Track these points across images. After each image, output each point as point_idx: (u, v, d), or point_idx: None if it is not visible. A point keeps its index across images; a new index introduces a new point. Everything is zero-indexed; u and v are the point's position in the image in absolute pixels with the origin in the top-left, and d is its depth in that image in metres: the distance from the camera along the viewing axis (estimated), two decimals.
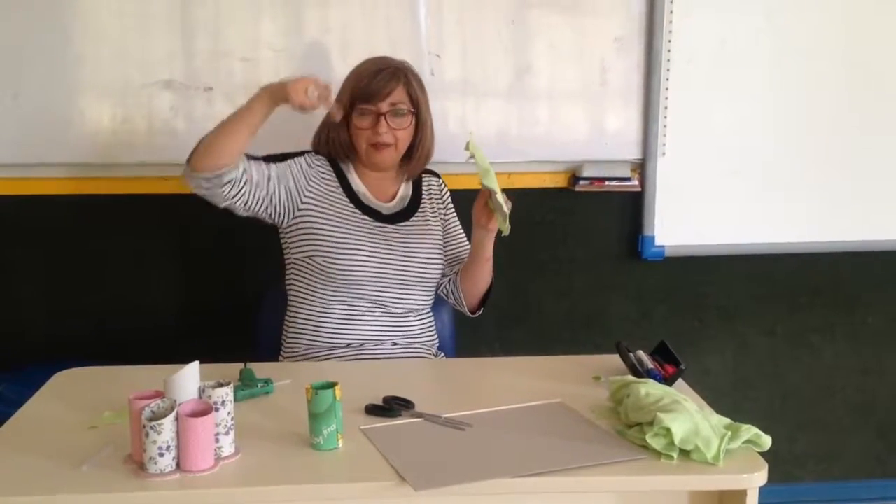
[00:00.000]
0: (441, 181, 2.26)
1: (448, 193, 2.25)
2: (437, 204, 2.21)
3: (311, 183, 2.07)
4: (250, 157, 1.99)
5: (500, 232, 1.98)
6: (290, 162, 2.07)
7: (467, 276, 2.13)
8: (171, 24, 2.45)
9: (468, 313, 2.19)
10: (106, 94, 2.47)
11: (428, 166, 2.24)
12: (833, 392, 2.89)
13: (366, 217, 2.08)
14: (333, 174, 2.11)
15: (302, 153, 2.11)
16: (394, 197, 2.16)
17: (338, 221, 2.05)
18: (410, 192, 2.19)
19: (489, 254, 2.07)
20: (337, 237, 2.04)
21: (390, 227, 2.09)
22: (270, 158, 2.05)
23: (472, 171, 2.12)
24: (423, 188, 2.21)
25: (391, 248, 2.07)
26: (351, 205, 2.08)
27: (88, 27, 2.44)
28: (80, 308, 2.62)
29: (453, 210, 2.24)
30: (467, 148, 1.88)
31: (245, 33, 2.46)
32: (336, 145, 2.11)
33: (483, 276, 2.11)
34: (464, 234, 2.22)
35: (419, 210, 2.16)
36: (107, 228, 2.59)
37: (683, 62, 2.59)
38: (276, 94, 1.89)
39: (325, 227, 2.05)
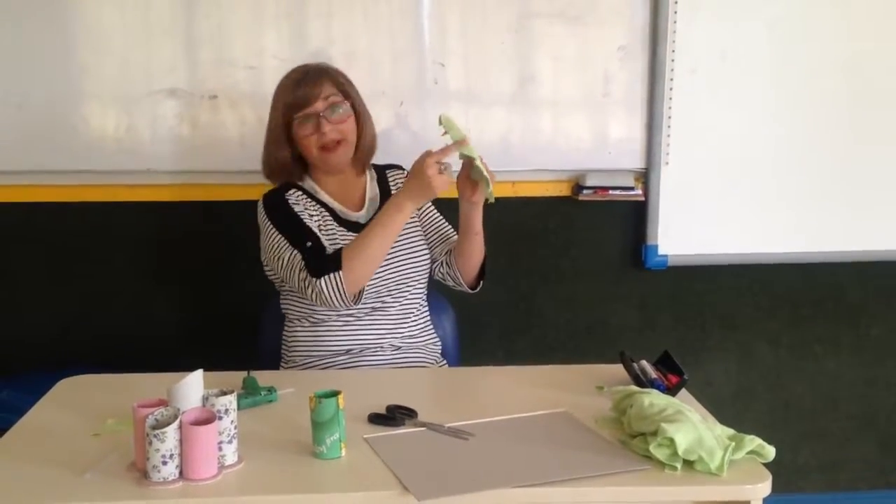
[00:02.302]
0: (405, 172, 2.22)
1: None
2: None
3: (312, 216, 2.04)
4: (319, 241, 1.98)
5: (486, 202, 1.97)
6: (296, 209, 2.02)
7: (461, 253, 2.12)
8: (176, 34, 2.46)
9: (468, 290, 2.17)
10: (110, 102, 2.48)
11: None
12: (836, 402, 2.89)
13: (350, 233, 2.06)
14: (311, 200, 2.07)
15: (283, 196, 2.04)
16: (361, 200, 2.14)
17: (334, 244, 2.01)
18: (378, 191, 2.17)
19: (479, 227, 2.05)
20: None
21: None
22: (290, 221, 2.00)
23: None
24: (391, 184, 2.19)
25: None
26: (335, 223, 2.06)
27: (93, 37, 2.45)
28: (82, 315, 2.62)
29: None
30: (440, 123, 1.87)
31: (249, 42, 2.47)
32: (286, 169, 2.07)
33: (476, 250, 2.10)
34: (441, 216, 2.21)
35: None
36: (111, 236, 2.60)
37: (687, 72, 2.60)
38: (419, 197, 1.91)
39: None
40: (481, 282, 2.18)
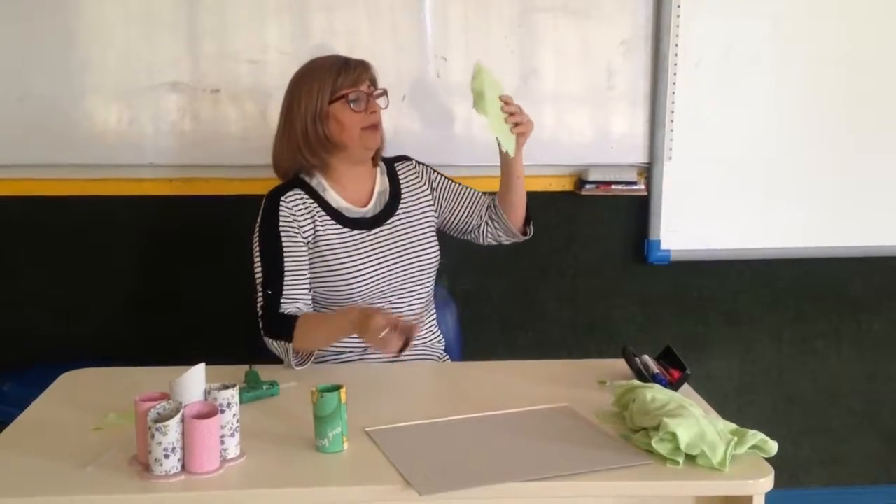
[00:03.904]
0: (413, 162, 2.22)
1: (425, 168, 2.22)
2: (418, 185, 2.17)
3: (302, 226, 2.01)
4: (295, 274, 1.99)
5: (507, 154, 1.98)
6: (282, 230, 2.00)
7: (507, 203, 2.13)
8: (177, 28, 2.45)
9: (521, 238, 2.18)
10: (112, 95, 2.47)
11: (437, 166, 2.24)
12: (838, 397, 2.89)
13: (356, 232, 2.04)
14: (313, 201, 2.04)
15: (276, 203, 2.01)
16: (370, 193, 2.12)
17: (333, 248, 2.01)
18: (388, 184, 2.15)
19: (520, 171, 2.06)
20: (337, 264, 2.01)
21: (385, 231, 2.07)
22: (269, 250, 2.00)
23: (479, 174, 2.13)
24: (400, 176, 2.17)
25: (388, 253, 2.05)
26: (338, 225, 2.04)
27: (95, 31, 2.44)
28: (85, 309, 2.62)
29: (439, 175, 2.21)
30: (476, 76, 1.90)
31: (251, 36, 2.47)
32: (318, 154, 2.04)
33: (520, 196, 2.11)
34: (465, 186, 2.22)
35: (401, 201, 2.13)
36: (113, 229, 2.59)
37: (690, 66, 2.59)
38: (356, 330, 1.84)
39: (324, 257, 2.01)
40: (531, 225, 2.17)
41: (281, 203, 2.02)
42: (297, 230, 2.00)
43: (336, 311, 2.00)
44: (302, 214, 2.02)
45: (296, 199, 2.03)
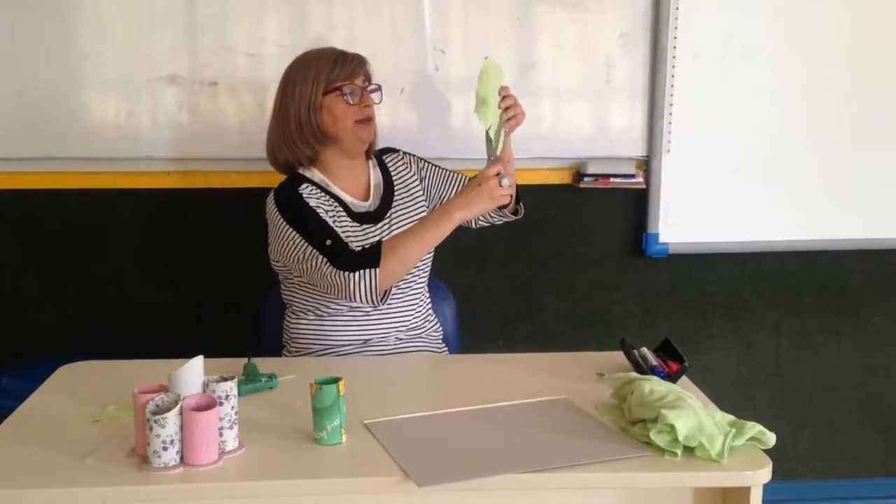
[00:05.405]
0: (400, 152, 2.22)
1: (412, 157, 2.22)
2: (408, 176, 2.17)
3: (328, 212, 2.00)
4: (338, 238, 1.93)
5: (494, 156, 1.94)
6: (313, 206, 1.97)
7: None
8: (175, 21, 2.45)
9: (512, 218, 2.14)
10: (111, 89, 2.47)
11: (436, 161, 2.24)
12: (837, 390, 2.89)
13: (366, 226, 2.04)
14: (325, 195, 2.03)
15: (296, 190, 1.99)
16: (367, 187, 2.12)
17: (350, 244, 1.97)
18: (381, 178, 2.15)
19: (510, 155, 2.02)
20: None
21: (385, 224, 2.07)
22: (306, 219, 1.95)
23: (477, 167, 2.12)
24: (390, 169, 2.17)
25: None
26: (350, 220, 2.03)
27: (93, 24, 2.44)
28: (83, 302, 2.62)
29: (426, 163, 2.22)
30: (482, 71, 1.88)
31: (249, 29, 2.46)
32: (311, 145, 2.03)
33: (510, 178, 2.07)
34: (451, 171, 2.22)
35: (395, 193, 2.13)
36: (111, 223, 2.59)
37: (689, 59, 2.58)
38: (474, 207, 1.86)
39: None
40: (521, 204, 2.14)
41: (300, 191, 1.99)
42: (324, 213, 1.98)
43: (434, 211, 2.00)
44: (323, 205, 2.00)
45: (310, 189, 2.01)
